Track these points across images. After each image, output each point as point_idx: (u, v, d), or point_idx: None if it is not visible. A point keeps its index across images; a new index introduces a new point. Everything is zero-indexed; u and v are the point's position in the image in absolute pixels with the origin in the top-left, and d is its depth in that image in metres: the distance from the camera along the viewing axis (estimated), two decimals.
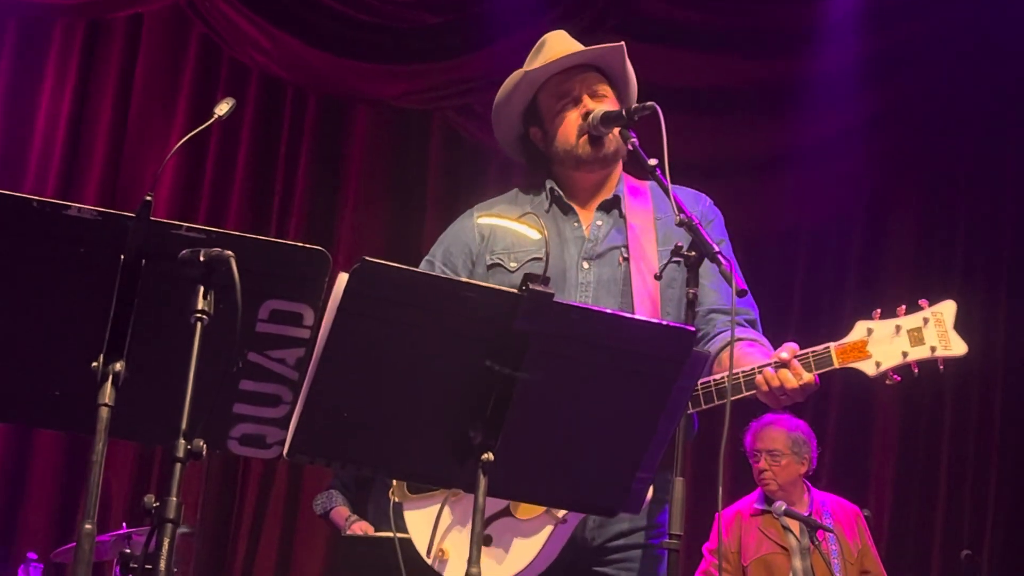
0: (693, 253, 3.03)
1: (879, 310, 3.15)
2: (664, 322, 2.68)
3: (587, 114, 3.34)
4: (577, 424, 2.66)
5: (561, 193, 3.42)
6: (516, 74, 3.44)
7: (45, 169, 7.03)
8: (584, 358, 2.60)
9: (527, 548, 3.14)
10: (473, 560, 2.56)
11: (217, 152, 7.36)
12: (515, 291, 2.51)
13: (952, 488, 7.89)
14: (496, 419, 2.56)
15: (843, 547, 5.64)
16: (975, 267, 8.14)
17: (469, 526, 3.14)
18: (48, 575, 5.51)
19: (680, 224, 3.06)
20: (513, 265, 3.34)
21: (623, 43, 3.45)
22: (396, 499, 3.27)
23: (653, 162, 3.14)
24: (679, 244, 3.07)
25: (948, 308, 3.12)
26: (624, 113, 3.29)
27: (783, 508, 5.56)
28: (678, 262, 3.09)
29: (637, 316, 3.08)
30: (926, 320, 3.09)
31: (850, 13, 7.59)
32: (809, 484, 5.87)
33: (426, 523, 3.22)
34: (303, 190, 7.55)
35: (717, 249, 3.03)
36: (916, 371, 3.11)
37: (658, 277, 3.27)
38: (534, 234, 3.38)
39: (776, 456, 5.71)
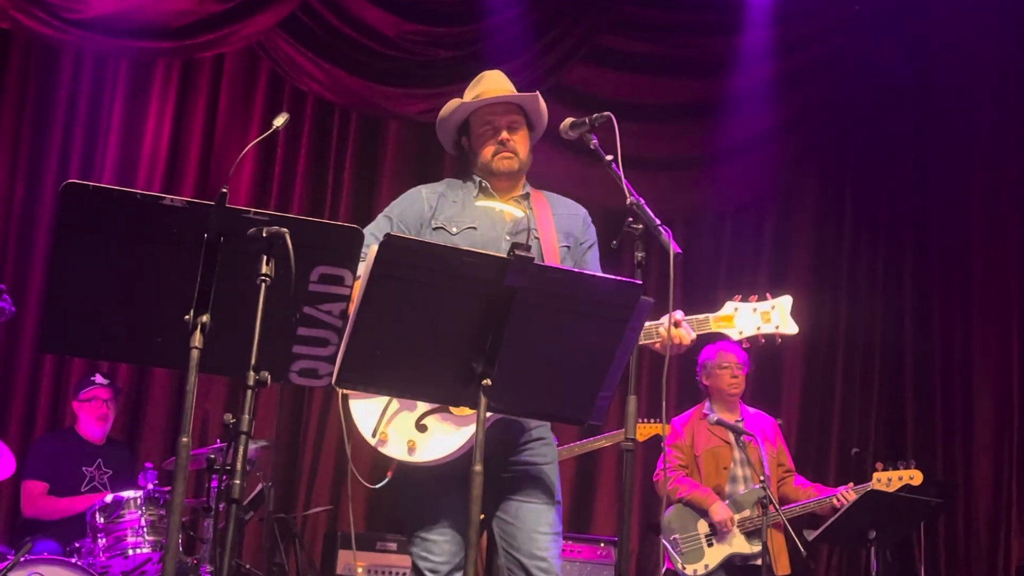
0: (640, 226, 3.04)
1: (739, 295, 3.43)
2: (618, 278, 2.66)
3: (505, 141, 3.40)
4: (554, 355, 2.65)
5: (488, 186, 3.45)
6: (455, 101, 3.51)
7: (152, 175, 6.99)
8: (558, 305, 2.59)
9: (456, 439, 3.11)
10: (476, 459, 2.56)
11: (283, 157, 7.30)
12: (505, 256, 2.51)
13: (844, 402, 7.94)
14: (492, 353, 2.56)
15: (766, 448, 5.69)
16: (858, 246, 8.17)
17: (409, 419, 3.13)
18: (161, 479, 5.50)
19: (631, 204, 3.05)
20: (454, 231, 3.37)
21: (538, 92, 3.49)
22: (343, 392, 3.19)
23: (609, 158, 3.13)
24: (629, 219, 3.06)
25: (787, 300, 3.41)
26: (587, 120, 3.26)
27: (715, 419, 5.59)
28: (631, 232, 3.07)
29: (598, 274, 3.07)
30: (773, 307, 3.40)
31: (762, 43, 7.57)
32: (741, 400, 5.89)
33: (370, 413, 3.15)
34: (349, 186, 7.50)
35: (659, 222, 3.03)
36: (763, 341, 3.42)
37: (613, 247, 3.27)
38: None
39: (741, 367, 5.77)
